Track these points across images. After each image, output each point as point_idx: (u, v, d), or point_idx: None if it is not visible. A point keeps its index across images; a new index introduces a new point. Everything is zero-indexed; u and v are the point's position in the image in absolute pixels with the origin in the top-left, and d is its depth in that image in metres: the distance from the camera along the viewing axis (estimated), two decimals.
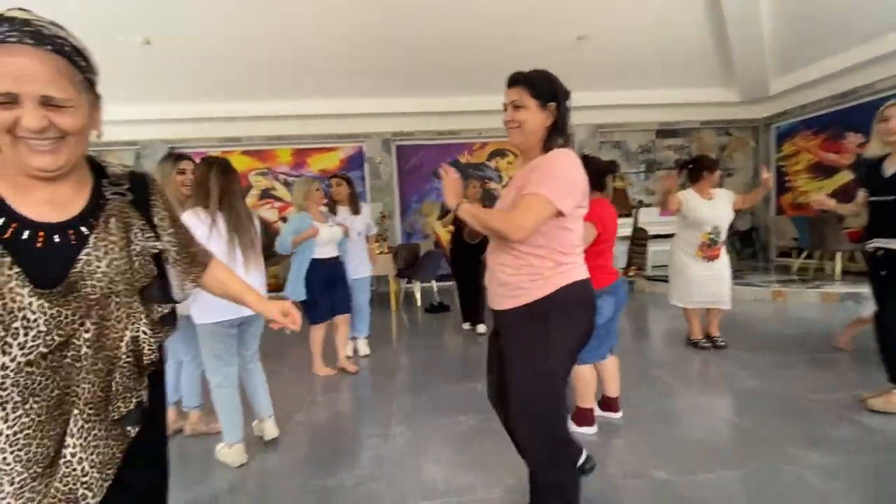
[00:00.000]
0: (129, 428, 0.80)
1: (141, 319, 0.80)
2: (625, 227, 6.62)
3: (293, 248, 3.00)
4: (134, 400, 0.80)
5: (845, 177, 6.66)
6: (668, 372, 3.02)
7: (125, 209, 0.82)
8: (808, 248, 6.28)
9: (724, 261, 3.40)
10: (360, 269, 3.67)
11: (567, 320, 1.31)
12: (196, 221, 1.98)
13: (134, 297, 0.80)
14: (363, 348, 3.78)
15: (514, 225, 1.25)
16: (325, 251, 3.13)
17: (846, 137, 6.58)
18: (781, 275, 6.34)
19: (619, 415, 2.36)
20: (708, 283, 3.37)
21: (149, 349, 0.81)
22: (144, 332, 0.81)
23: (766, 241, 7.92)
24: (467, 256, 4.24)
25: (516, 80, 1.36)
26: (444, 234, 7.07)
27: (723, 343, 3.45)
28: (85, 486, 0.74)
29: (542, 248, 1.31)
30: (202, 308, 2.00)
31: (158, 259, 0.88)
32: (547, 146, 1.35)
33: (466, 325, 4.49)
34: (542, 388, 1.31)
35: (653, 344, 3.93)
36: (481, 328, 4.33)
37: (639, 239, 6.39)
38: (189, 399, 2.40)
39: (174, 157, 2.38)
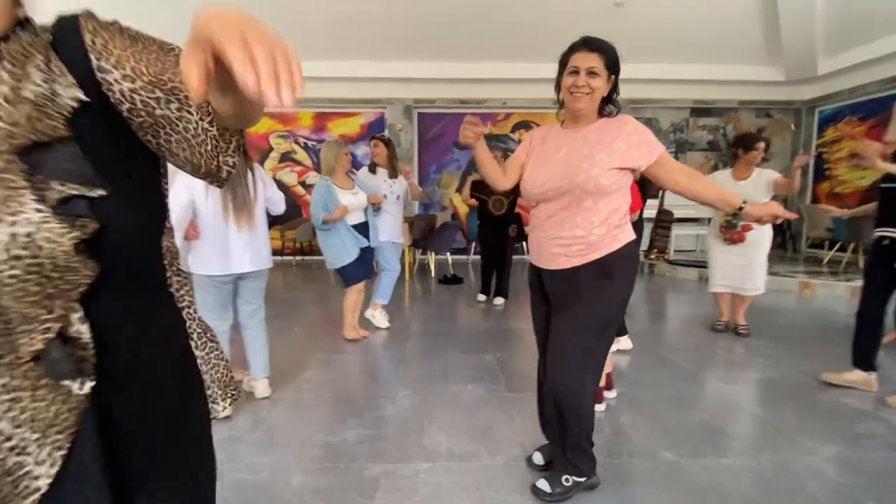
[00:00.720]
0: (64, 382, 0.53)
1: (26, 203, 0.48)
2: (651, 209, 6.42)
3: (325, 226, 2.97)
4: (40, 336, 0.52)
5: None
6: (685, 356, 2.94)
7: (28, 50, 0.52)
8: (842, 241, 6.00)
9: (755, 245, 3.22)
10: (396, 233, 3.57)
11: (627, 275, 1.45)
12: (188, 178, 1.98)
13: (11, 168, 0.48)
14: (381, 320, 3.56)
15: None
16: (352, 217, 3.07)
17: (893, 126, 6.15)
18: (811, 266, 6.10)
19: (613, 394, 2.30)
20: (733, 267, 3.24)
21: (57, 250, 0.50)
22: (38, 224, 0.49)
23: (798, 230, 7.59)
24: (493, 228, 4.25)
25: (595, 47, 1.36)
26: (462, 206, 6.98)
27: (744, 332, 3.33)
28: (15, 451, 0.52)
29: (620, 206, 1.42)
30: (196, 259, 2.10)
31: (76, 119, 0.52)
32: (601, 112, 1.44)
33: (482, 297, 4.46)
34: (602, 333, 1.45)
35: (670, 327, 3.84)
36: (499, 300, 4.31)
37: (663, 221, 6.17)
38: None
39: None
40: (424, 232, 6.03)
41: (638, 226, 2.57)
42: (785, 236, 7.69)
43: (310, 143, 7.40)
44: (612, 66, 1.38)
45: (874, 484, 1.63)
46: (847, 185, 6.86)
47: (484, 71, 6.77)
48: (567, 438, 1.50)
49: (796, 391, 2.43)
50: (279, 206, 2.36)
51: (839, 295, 4.81)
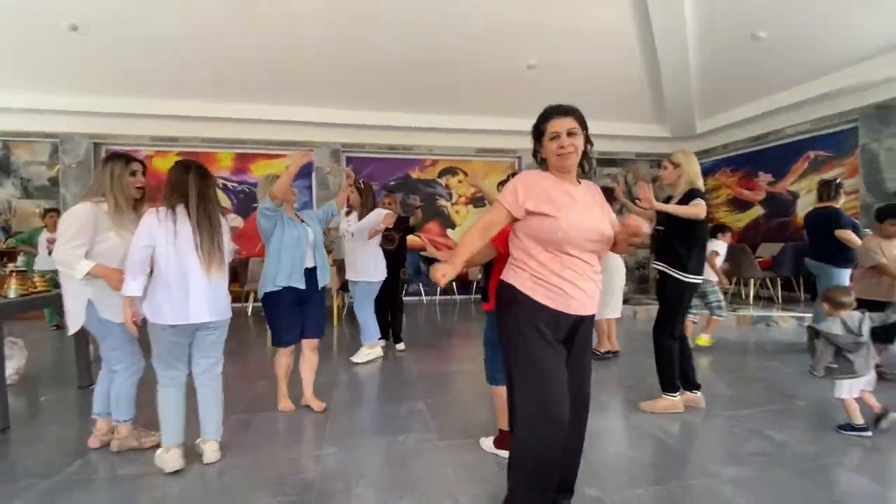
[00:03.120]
0: None
1: None
2: None
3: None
4: None
5: (757, 211, 7.39)
6: (597, 390, 3.11)
7: None
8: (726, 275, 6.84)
9: (608, 273, 3.77)
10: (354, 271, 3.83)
11: None
12: (153, 222, 1.98)
13: None
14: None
15: None
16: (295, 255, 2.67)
17: (759, 176, 7.32)
18: (702, 299, 6.83)
19: None
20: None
21: None
22: None
23: None
24: (387, 265, 3.96)
25: (568, 111, 1.55)
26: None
27: (607, 355, 3.89)
28: None
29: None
30: (152, 307, 2.00)
31: None
32: (581, 171, 1.62)
33: (380, 342, 3.98)
34: None
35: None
36: (400, 346, 4.19)
37: None
38: (118, 412, 2.21)
39: (124, 158, 2.26)
40: None
41: None
42: None
43: (230, 184, 7.08)
44: (583, 124, 1.57)
45: (766, 501, 1.81)
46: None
47: (411, 120, 7.05)
48: (576, 471, 1.68)
49: (698, 417, 2.67)
50: (230, 257, 2.30)
51: (729, 324, 5.43)
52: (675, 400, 2.71)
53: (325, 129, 6.98)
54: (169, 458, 2.03)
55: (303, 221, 2.79)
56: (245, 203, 7.09)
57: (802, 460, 2.14)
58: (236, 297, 6.74)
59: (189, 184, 2.06)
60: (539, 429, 1.45)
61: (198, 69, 5.53)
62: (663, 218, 2.67)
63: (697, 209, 2.54)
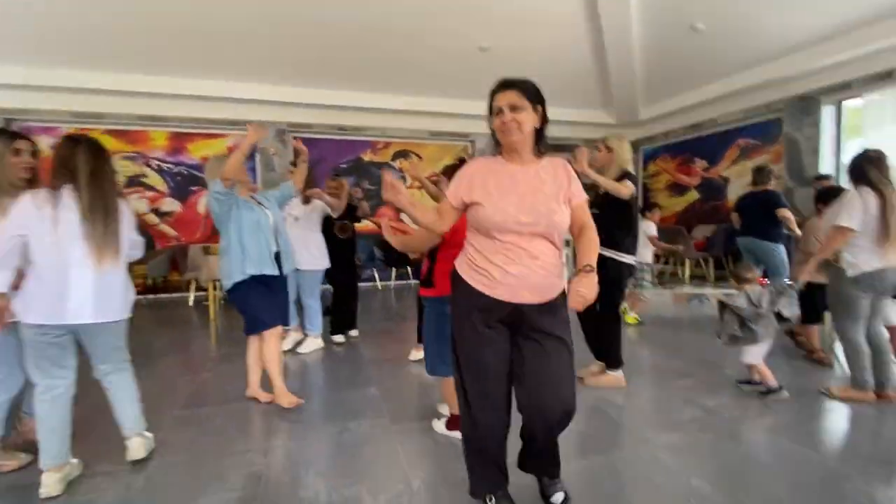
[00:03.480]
0: None
1: None
2: None
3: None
4: None
5: (694, 195, 7.86)
6: None
7: None
8: (665, 255, 7.26)
9: None
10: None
11: None
12: (27, 207, 1.70)
13: None
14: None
15: None
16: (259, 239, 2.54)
17: (695, 162, 7.76)
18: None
19: None
20: None
21: None
22: None
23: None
24: (339, 255, 3.87)
25: (510, 85, 1.46)
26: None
27: None
28: None
29: (560, 239, 1.51)
30: (23, 304, 1.72)
31: None
32: (536, 149, 1.51)
33: (339, 338, 3.98)
34: (571, 353, 1.52)
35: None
36: (354, 333, 4.13)
37: None
38: None
39: (8, 134, 1.96)
40: None
41: None
42: None
43: (165, 165, 6.59)
44: (535, 97, 1.46)
45: (697, 462, 1.96)
46: (666, 209, 8.35)
47: (362, 100, 6.83)
48: (555, 451, 1.65)
49: (637, 389, 2.83)
50: (136, 252, 2.03)
51: (665, 300, 5.78)
52: (620, 375, 2.86)
53: (271, 107, 6.62)
54: (46, 480, 1.74)
55: (259, 204, 2.61)
56: (183, 186, 6.64)
57: (730, 424, 2.32)
58: (175, 287, 6.38)
59: (77, 161, 1.78)
60: (470, 407, 1.52)
61: (127, 38, 5.03)
62: (601, 201, 2.76)
63: (623, 187, 2.66)
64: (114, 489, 1.81)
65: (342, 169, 7.27)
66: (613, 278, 2.73)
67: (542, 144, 1.53)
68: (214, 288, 5.26)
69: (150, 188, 6.52)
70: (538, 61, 5.96)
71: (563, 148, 8.36)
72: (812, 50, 5.36)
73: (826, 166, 5.74)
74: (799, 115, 5.95)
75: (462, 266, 1.53)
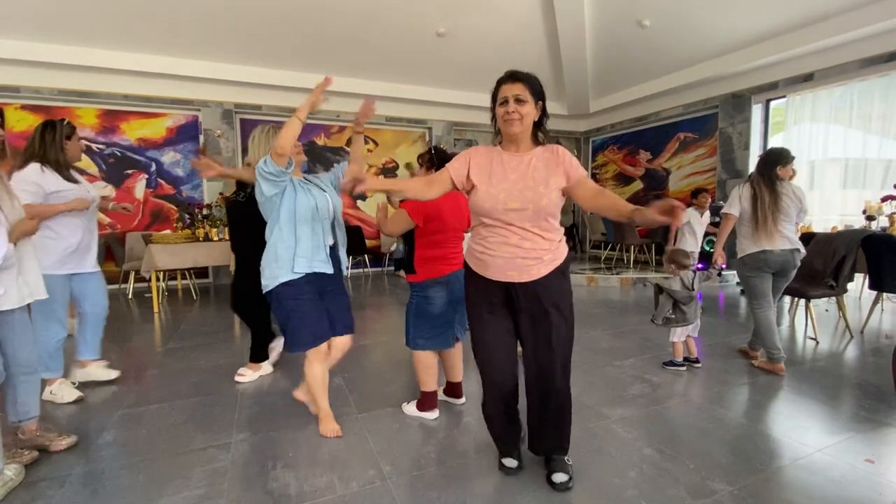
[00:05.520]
0: None
1: None
2: None
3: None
4: None
5: (638, 185, 8.30)
6: None
7: None
8: (612, 242, 7.66)
9: None
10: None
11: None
12: None
13: None
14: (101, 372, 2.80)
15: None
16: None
17: (640, 154, 8.19)
18: (593, 263, 7.61)
19: (462, 400, 2.43)
20: None
21: None
22: None
23: (583, 235, 9.40)
24: None
25: (518, 77, 1.55)
26: None
27: None
28: None
29: (556, 219, 1.61)
30: None
31: None
32: (535, 139, 1.62)
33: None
34: (573, 327, 1.67)
35: None
36: None
37: None
38: None
39: None
40: None
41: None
42: (576, 240, 9.41)
43: (95, 146, 6.05)
44: (537, 93, 1.56)
45: (648, 433, 2.13)
46: None
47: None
48: (564, 429, 1.74)
49: (592, 367, 3.00)
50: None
51: (613, 285, 6.12)
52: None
53: (215, 85, 6.22)
54: None
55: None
56: (117, 169, 6.13)
57: (674, 397, 2.54)
58: (112, 279, 5.91)
59: None
60: (483, 374, 1.77)
61: (51, 4, 4.52)
62: None
63: None
64: (60, 496, 1.70)
65: None
66: None
67: (542, 135, 1.63)
68: (157, 279, 4.94)
69: (79, 171, 5.96)
70: (494, 50, 6.02)
71: None
72: (746, 51, 5.79)
73: (755, 160, 6.27)
74: (732, 112, 6.43)
75: (468, 255, 1.72)
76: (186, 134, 6.43)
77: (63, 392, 2.51)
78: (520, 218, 1.54)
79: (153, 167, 6.31)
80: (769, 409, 2.43)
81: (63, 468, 1.87)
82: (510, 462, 1.81)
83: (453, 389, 2.43)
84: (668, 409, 2.40)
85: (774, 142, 6.29)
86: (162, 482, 1.78)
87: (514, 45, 6.00)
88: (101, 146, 6.04)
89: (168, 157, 6.35)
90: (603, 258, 7.90)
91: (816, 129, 5.72)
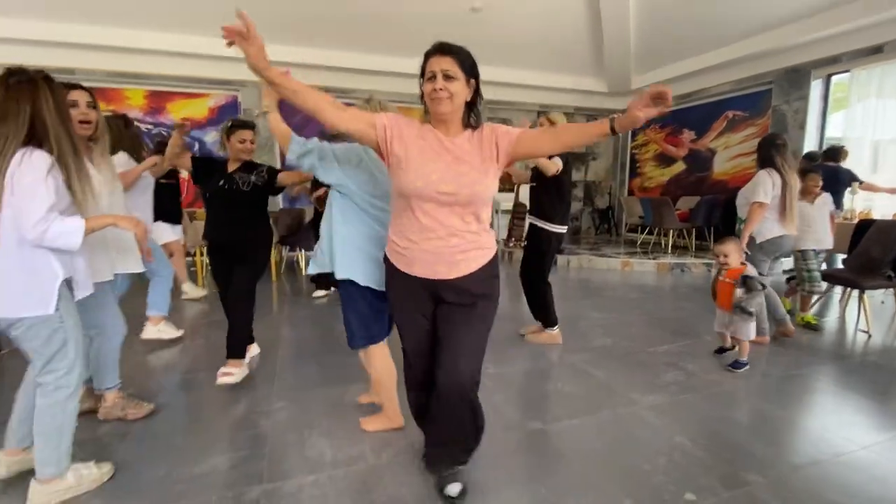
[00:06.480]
0: None
1: None
2: (507, 202, 7.05)
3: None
4: None
5: (680, 166, 7.95)
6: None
7: None
8: (649, 226, 7.41)
9: None
10: None
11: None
12: None
13: None
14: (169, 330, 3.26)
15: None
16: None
17: (683, 133, 7.81)
18: (629, 248, 7.40)
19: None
20: None
21: None
22: None
23: (620, 218, 9.13)
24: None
25: (448, 51, 1.35)
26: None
27: None
28: None
29: (489, 209, 1.46)
30: None
31: None
32: (466, 121, 1.43)
33: (321, 292, 4.56)
34: (491, 327, 1.51)
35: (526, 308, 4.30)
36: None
37: (519, 213, 6.87)
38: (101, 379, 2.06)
39: (61, 85, 1.72)
40: (292, 228, 5.69)
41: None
42: (611, 223, 9.17)
43: (144, 126, 6.32)
44: (469, 69, 1.37)
45: (679, 421, 2.10)
46: (652, 181, 8.46)
47: (348, 60, 6.58)
48: (467, 431, 1.55)
49: (624, 352, 2.96)
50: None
51: (648, 270, 5.96)
52: (555, 333, 3.15)
53: None
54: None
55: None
56: (163, 148, 6.39)
57: (710, 386, 2.48)
58: None
59: None
60: (414, 379, 1.67)
61: None
62: (536, 175, 2.98)
63: (551, 165, 2.83)
64: (123, 449, 1.86)
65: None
66: (542, 247, 3.01)
67: (474, 118, 1.45)
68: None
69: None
70: (531, 25, 5.82)
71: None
72: (805, 21, 5.34)
73: (811, 141, 5.85)
74: (788, 88, 6.00)
75: (389, 249, 1.53)
76: (227, 113, 6.61)
77: (168, 330, 3.21)
78: (450, 203, 1.36)
79: (196, 146, 6.54)
80: (812, 403, 2.34)
81: (123, 426, 2.04)
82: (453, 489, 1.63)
83: None
84: (702, 398, 2.35)
85: (834, 120, 5.84)
86: (210, 443, 1.92)
87: (551, 20, 5.77)
88: (148, 126, 6.31)
89: (210, 136, 6.57)
90: (639, 242, 7.67)
91: (883, 107, 5.26)
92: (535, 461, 1.81)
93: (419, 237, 1.40)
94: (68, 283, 1.52)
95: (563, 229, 3.00)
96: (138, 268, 2.13)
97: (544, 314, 3.13)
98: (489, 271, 1.47)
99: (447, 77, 1.34)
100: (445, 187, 1.34)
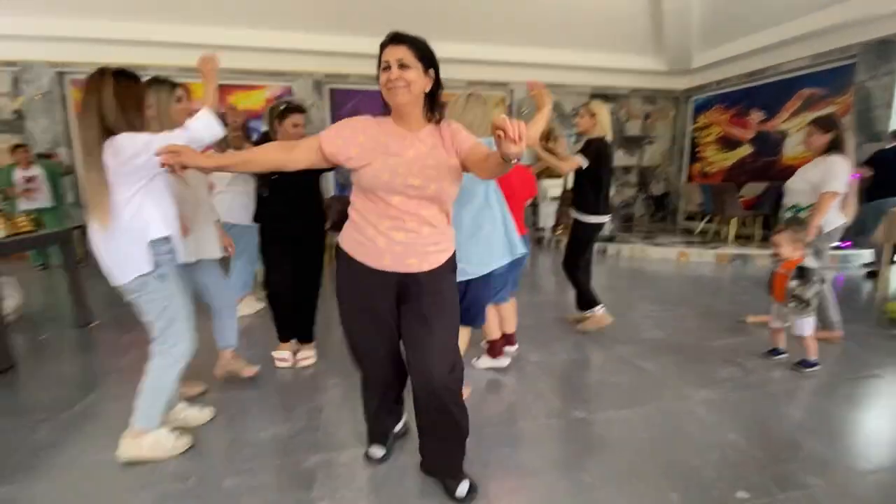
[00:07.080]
0: None
1: None
2: (555, 188, 6.90)
3: None
4: None
5: (746, 150, 7.41)
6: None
7: None
8: (710, 214, 7.00)
9: None
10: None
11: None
12: None
13: None
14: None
15: None
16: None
17: (750, 114, 7.25)
18: (686, 237, 7.05)
19: (515, 347, 2.68)
20: None
21: None
22: None
23: (676, 205, 8.68)
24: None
25: (401, 40, 1.32)
26: None
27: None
28: None
29: (451, 203, 1.44)
30: None
31: None
32: (428, 114, 1.41)
33: None
34: (457, 322, 1.49)
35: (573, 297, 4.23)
36: None
37: (566, 200, 6.72)
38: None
39: (168, 83, 2.04)
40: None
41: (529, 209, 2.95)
42: (666, 210, 8.74)
43: None
44: (426, 58, 1.33)
45: (733, 418, 2.02)
46: (714, 166, 7.95)
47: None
48: (456, 433, 1.50)
49: (676, 346, 2.87)
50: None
51: (707, 261, 5.66)
52: (599, 313, 3.12)
53: (307, 56, 6.55)
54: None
55: None
56: (225, 139, 6.79)
57: (769, 384, 2.35)
58: None
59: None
60: (373, 376, 1.65)
61: None
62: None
63: (564, 165, 2.93)
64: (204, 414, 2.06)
65: None
66: (580, 237, 3.11)
67: (435, 111, 1.41)
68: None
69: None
70: (583, 2, 5.60)
71: (608, 98, 7.97)
72: None
73: None
74: (875, 62, 5.40)
75: (346, 240, 1.45)
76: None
77: (250, 306, 3.62)
78: (420, 197, 1.33)
79: (254, 136, 6.90)
80: (887, 407, 2.17)
81: (211, 398, 2.25)
82: (376, 451, 1.75)
83: (508, 338, 2.65)
84: (761, 395, 2.24)
85: None
86: (270, 412, 2.09)
87: None
88: None
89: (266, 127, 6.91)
90: (697, 231, 7.28)
91: None
92: (577, 448, 1.82)
93: (388, 227, 1.35)
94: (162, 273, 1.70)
95: (599, 220, 3.02)
96: (217, 253, 2.27)
97: (582, 297, 3.18)
98: (450, 266, 1.46)
99: (402, 66, 1.30)
100: (413, 180, 1.31)
